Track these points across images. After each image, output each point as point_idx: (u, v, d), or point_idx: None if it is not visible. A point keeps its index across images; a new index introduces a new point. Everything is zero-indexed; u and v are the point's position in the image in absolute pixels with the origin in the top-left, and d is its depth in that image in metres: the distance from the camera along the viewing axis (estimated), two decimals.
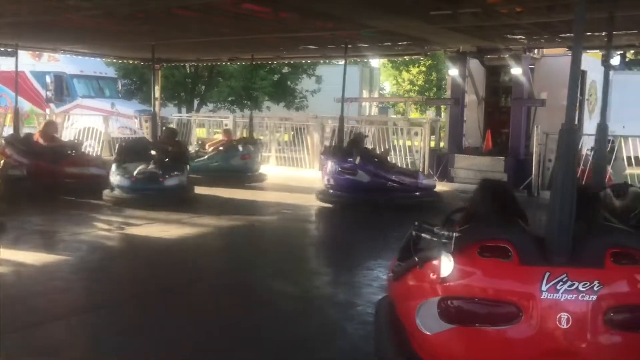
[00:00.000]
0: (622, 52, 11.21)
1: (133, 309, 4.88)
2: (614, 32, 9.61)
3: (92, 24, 10.07)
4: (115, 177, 9.43)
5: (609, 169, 10.65)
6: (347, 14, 8.63)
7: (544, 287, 2.54)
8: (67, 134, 15.84)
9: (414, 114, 29.61)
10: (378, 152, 10.98)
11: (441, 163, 12.66)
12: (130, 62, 19.19)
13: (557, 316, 2.52)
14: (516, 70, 11.72)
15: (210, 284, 5.58)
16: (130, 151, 9.92)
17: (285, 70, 24.20)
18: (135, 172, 9.25)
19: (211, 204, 9.84)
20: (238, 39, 11.24)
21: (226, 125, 15.71)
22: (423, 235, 3.12)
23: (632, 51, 14.45)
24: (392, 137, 13.88)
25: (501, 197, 3.21)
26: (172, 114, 20.02)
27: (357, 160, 9.47)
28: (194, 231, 7.79)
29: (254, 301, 5.10)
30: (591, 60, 12.50)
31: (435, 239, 2.86)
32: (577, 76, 2.83)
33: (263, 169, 13.09)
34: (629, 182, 7.34)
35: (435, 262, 2.79)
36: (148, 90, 19.73)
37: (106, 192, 9.46)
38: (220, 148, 12.25)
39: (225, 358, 3.95)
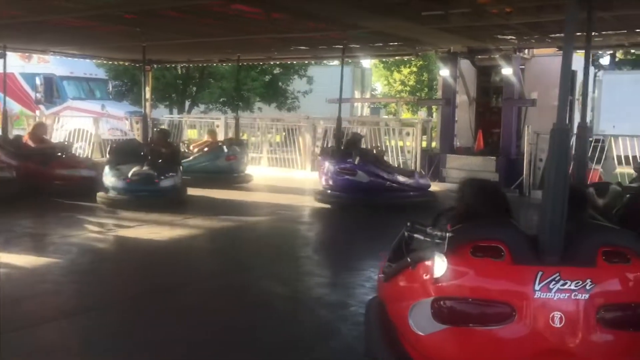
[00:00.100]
0: (611, 52, 11.30)
1: (124, 311, 4.85)
2: (604, 32, 9.72)
3: (82, 25, 10.01)
4: (109, 179, 9.38)
5: (600, 168, 10.73)
6: (338, 14, 8.63)
7: (537, 287, 2.54)
8: (57, 136, 15.73)
9: (405, 115, 29.67)
10: (375, 153, 10.99)
11: (433, 163, 12.69)
12: (121, 63, 19.11)
13: (550, 315, 2.52)
14: (507, 71, 11.77)
15: (200, 286, 5.55)
16: (122, 153, 9.87)
17: (277, 71, 24.18)
18: (130, 174, 9.21)
19: (205, 205, 9.80)
20: (229, 40, 11.22)
21: (217, 126, 15.67)
22: (415, 235, 3.11)
23: (621, 51, 14.55)
24: (384, 138, 13.89)
25: (492, 196, 3.21)
26: (163, 116, 19.95)
27: (357, 160, 9.46)
28: (186, 232, 7.75)
29: (249, 302, 5.08)
30: (581, 60, 12.53)
31: (428, 239, 2.85)
32: (568, 76, 2.84)
33: (255, 170, 13.05)
34: (619, 181, 7.40)
35: (428, 263, 2.79)
36: (139, 91, 19.66)
37: (100, 194, 9.41)
38: (206, 149, 12.24)
39: (219, 359, 3.94)
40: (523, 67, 12.66)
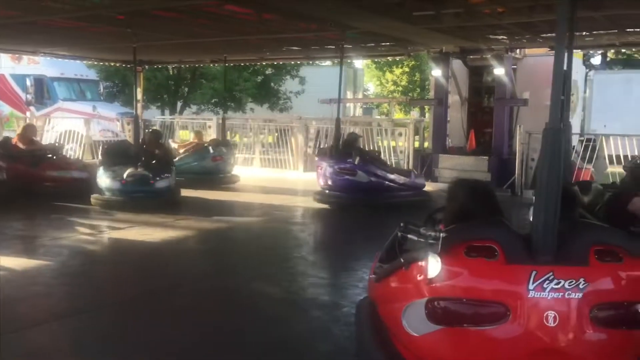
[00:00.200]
0: (603, 51, 11.36)
1: (115, 313, 4.81)
2: (595, 32, 9.76)
3: (72, 26, 9.95)
4: (104, 180, 9.33)
5: (591, 168, 10.78)
6: (330, 15, 8.62)
7: (530, 286, 2.54)
8: (48, 137, 15.64)
9: (398, 115, 29.69)
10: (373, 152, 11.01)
11: (425, 163, 12.71)
12: (112, 64, 19.00)
13: (544, 315, 2.52)
14: (499, 71, 11.81)
15: (194, 288, 5.52)
16: (115, 154, 9.83)
17: (269, 71, 24.14)
18: (125, 175, 9.16)
19: (199, 206, 9.77)
20: (220, 41, 11.19)
21: (209, 127, 15.63)
22: (409, 236, 3.10)
23: (612, 50, 14.63)
24: (377, 138, 13.90)
25: (482, 196, 3.20)
26: (155, 117, 19.86)
27: (357, 160, 9.46)
28: (177, 234, 7.69)
29: (241, 303, 5.06)
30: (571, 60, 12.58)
31: (421, 239, 2.84)
32: (561, 76, 2.84)
33: (247, 171, 13.00)
34: (611, 180, 7.44)
35: (422, 263, 2.77)
36: (130, 92, 19.57)
37: (95, 196, 9.35)
38: (191, 150, 12.19)
39: None
40: (515, 67, 12.70)
